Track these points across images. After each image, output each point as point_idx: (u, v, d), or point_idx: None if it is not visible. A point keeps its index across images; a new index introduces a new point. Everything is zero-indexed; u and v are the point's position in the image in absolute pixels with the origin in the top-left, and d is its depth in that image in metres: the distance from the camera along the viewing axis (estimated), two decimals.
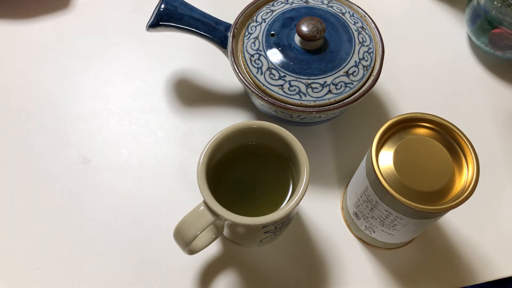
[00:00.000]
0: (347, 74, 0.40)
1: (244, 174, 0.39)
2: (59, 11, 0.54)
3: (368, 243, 0.42)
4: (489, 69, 0.52)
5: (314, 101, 0.39)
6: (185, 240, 0.33)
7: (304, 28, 0.39)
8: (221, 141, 0.34)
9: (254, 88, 0.40)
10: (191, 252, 0.36)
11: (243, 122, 0.35)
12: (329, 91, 0.39)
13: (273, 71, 0.40)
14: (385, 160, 0.33)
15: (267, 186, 0.38)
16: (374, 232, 0.38)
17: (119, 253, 0.41)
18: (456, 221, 0.43)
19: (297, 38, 0.40)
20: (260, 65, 0.40)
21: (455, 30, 0.55)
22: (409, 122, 0.35)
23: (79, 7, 0.55)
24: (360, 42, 0.41)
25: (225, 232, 0.37)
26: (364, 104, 0.49)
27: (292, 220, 0.40)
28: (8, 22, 0.53)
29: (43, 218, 0.42)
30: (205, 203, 0.32)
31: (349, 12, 0.43)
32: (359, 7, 0.44)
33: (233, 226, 0.34)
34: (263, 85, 0.40)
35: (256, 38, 0.41)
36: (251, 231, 0.34)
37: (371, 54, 0.41)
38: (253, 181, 0.38)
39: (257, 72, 0.40)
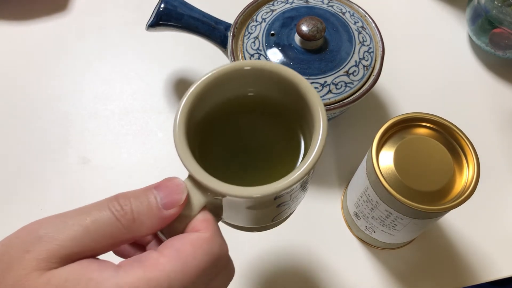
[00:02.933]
0: (347, 73, 0.40)
1: (240, 135, 0.30)
2: (58, 11, 0.54)
3: (368, 243, 0.42)
4: (490, 68, 0.52)
5: None
6: (172, 235, 0.25)
7: (304, 28, 0.39)
8: (206, 88, 0.26)
9: None
10: None
11: (236, 62, 0.27)
12: (329, 91, 0.39)
13: None
14: (386, 160, 0.33)
15: (271, 150, 0.29)
16: (374, 232, 0.38)
17: None
18: (456, 221, 0.43)
19: (297, 38, 0.40)
20: None
21: (455, 30, 0.55)
22: (409, 122, 0.34)
23: (78, 8, 0.55)
24: (360, 42, 0.41)
25: (226, 215, 0.28)
26: (364, 104, 0.49)
27: (308, 189, 0.30)
28: (7, 23, 0.53)
29: None
30: (191, 179, 0.24)
31: (349, 11, 0.43)
32: (359, 6, 0.44)
33: (237, 204, 0.26)
34: None
35: (256, 37, 0.41)
36: (261, 206, 0.26)
37: (371, 53, 0.41)
38: (253, 144, 0.30)
39: None
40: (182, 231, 0.23)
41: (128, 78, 0.50)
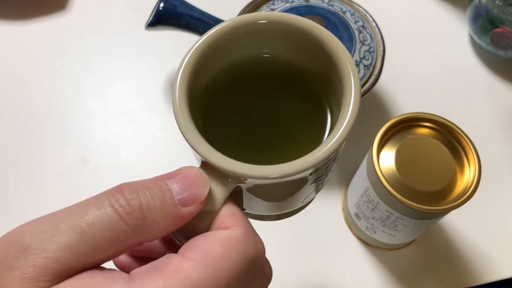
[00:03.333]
0: None
1: (253, 105, 0.25)
2: (57, 11, 0.54)
3: (369, 244, 0.42)
4: (491, 68, 0.52)
5: None
6: (191, 237, 0.21)
7: None
8: (211, 47, 0.21)
9: None
10: None
11: (249, 14, 0.22)
12: None
13: None
14: (386, 160, 0.33)
15: (291, 122, 0.25)
16: (375, 232, 0.38)
17: None
18: (458, 222, 0.43)
19: None
20: None
21: (456, 29, 0.55)
22: (410, 122, 0.34)
23: (77, 7, 0.55)
24: (360, 41, 0.41)
25: (248, 205, 0.23)
26: (365, 104, 0.48)
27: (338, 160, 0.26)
28: (6, 23, 0.53)
29: None
30: (207, 165, 0.19)
31: (349, 11, 0.43)
32: (360, 6, 0.44)
33: (265, 189, 0.21)
34: None
35: None
36: (295, 186, 0.22)
37: (372, 53, 0.41)
38: (269, 116, 0.25)
39: None
40: (204, 230, 0.19)
41: (127, 78, 0.50)
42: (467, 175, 0.32)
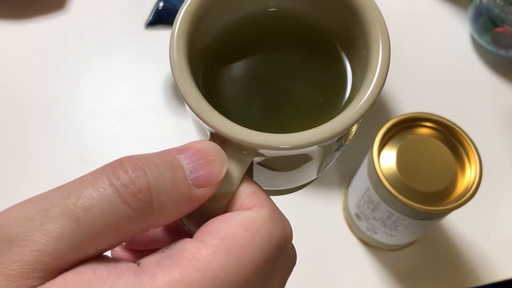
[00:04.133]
0: None
1: (260, 67, 0.22)
2: (56, 10, 0.54)
3: (369, 244, 0.41)
4: (492, 68, 0.52)
5: None
6: (203, 222, 0.19)
7: None
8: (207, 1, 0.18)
9: None
10: None
11: None
12: None
13: None
14: (387, 160, 0.33)
15: (304, 84, 0.21)
16: (375, 233, 0.38)
17: None
18: (459, 222, 0.43)
19: None
20: None
21: (457, 29, 0.55)
22: (411, 122, 0.34)
23: (76, 7, 0.54)
24: None
25: (260, 179, 0.20)
26: None
27: None
28: (5, 22, 0.53)
29: None
30: (219, 138, 0.16)
31: None
32: None
33: (287, 161, 0.19)
34: None
35: None
36: (321, 154, 0.19)
37: None
38: (279, 79, 0.21)
39: None
40: (219, 214, 0.16)
41: (126, 77, 0.50)
42: (468, 175, 0.32)
